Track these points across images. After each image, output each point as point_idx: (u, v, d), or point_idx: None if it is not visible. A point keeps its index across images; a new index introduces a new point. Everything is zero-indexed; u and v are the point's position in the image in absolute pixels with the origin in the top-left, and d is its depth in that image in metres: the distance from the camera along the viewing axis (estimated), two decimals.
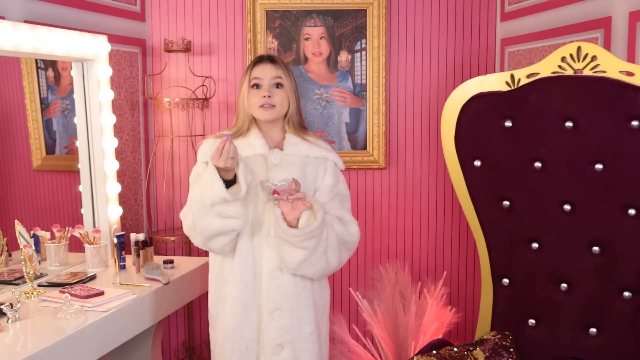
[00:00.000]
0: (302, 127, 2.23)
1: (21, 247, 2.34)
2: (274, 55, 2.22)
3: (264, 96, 2.12)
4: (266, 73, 2.15)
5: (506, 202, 2.33)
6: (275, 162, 2.12)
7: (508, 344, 2.33)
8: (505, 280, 2.40)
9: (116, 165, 2.95)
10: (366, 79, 3.38)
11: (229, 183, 1.99)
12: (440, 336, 2.92)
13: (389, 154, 3.46)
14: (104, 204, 2.88)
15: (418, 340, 2.96)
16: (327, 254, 2.06)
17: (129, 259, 2.79)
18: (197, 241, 2.10)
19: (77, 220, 2.86)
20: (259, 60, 2.19)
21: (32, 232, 2.56)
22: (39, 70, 2.72)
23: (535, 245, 2.31)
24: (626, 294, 2.17)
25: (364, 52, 3.37)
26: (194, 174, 2.17)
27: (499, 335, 2.36)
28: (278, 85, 2.15)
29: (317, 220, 1.98)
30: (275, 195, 1.96)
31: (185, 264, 2.84)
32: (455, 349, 2.32)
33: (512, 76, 2.26)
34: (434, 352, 2.32)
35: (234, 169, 1.98)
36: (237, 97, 2.23)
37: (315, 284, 2.18)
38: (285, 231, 1.99)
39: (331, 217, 2.10)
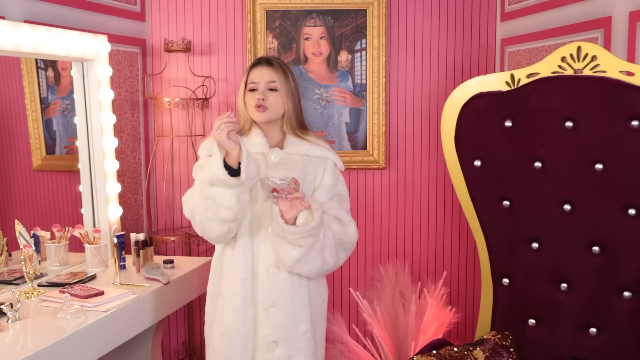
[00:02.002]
0: (302, 127, 2.23)
1: (21, 247, 2.34)
2: (272, 58, 2.21)
3: (258, 98, 2.13)
4: (261, 77, 2.15)
5: (506, 202, 2.33)
6: (275, 160, 2.13)
7: (508, 344, 2.33)
8: (505, 280, 2.40)
9: (116, 165, 2.95)
10: (366, 79, 3.38)
11: (233, 173, 1.99)
12: (440, 336, 2.91)
13: (389, 154, 3.46)
14: (104, 204, 2.88)
15: (418, 340, 2.96)
16: (323, 253, 2.07)
17: (129, 259, 2.79)
18: (196, 224, 2.11)
19: (77, 220, 2.86)
20: (257, 63, 2.19)
21: (32, 232, 2.56)
22: (39, 70, 2.72)
23: (535, 245, 2.31)
24: (626, 294, 2.17)
25: (364, 52, 3.37)
26: (197, 165, 2.19)
27: (499, 335, 2.36)
28: (272, 90, 2.16)
29: (315, 220, 1.99)
30: (275, 193, 1.97)
31: (185, 264, 2.84)
32: (455, 349, 2.32)
33: (512, 76, 2.26)
34: (434, 352, 2.32)
35: (237, 155, 1.98)
36: (236, 98, 2.24)
37: (312, 283, 2.18)
38: (283, 228, 2.00)
39: (329, 217, 2.11)
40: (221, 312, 2.16)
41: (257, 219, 2.11)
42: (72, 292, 2.30)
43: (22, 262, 2.33)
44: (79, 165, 2.87)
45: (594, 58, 2.12)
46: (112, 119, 2.92)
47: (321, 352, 2.27)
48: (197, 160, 2.24)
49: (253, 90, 2.15)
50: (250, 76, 2.17)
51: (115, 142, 2.94)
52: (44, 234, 2.66)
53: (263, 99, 2.13)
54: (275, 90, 2.15)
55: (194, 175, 2.19)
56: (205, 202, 2.03)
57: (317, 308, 2.22)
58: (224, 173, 1.95)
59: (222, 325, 2.15)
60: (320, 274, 2.14)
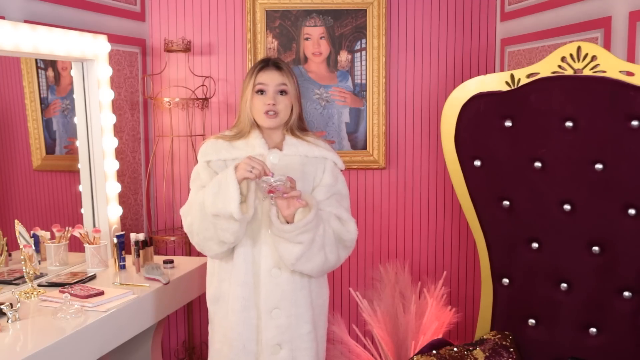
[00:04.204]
0: (302, 129, 2.23)
1: (21, 247, 2.34)
2: (279, 60, 2.19)
3: (269, 104, 2.11)
4: (271, 79, 2.13)
5: (506, 202, 2.33)
6: (274, 161, 2.12)
7: (508, 344, 2.33)
8: (505, 280, 2.40)
9: (116, 165, 2.95)
10: (366, 79, 3.38)
11: None
12: (440, 336, 2.91)
13: (389, 154, 3.46)
14: (104, 204, 2.88)
15: (418, 340, 2.96)
16: (324, 249, 2.07)
17: (129, 259, 2.79)
18: (194, 241, 2.13)
19: (77, 220, 2.86)
20: (264, 65, 2.17)
21: (32, 232, 2.56)
22: (39, 70, 2.72)
23: (535, 245, 2.31)
24: (626, 294, 2.17)
25: (364, 52, 3.37)
26: (194, 174, 2.18)
27: (499, 335, 2.36)
28: (282, 92, 2.14)
29: (311, 214, 1.98)
30: (271, 194, 1.97)
31: (185, 264, 2.84)
32: (455, 349, 2.32)
33: (512, 76, 2.26)
34: (434, 352, 2.32)
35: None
36: (240, 99, 2.22)
37: (314, 284, 2.18)
38: (279, 228, 2.00)
39: (328, 214, 2.10)
40: (223, 315, 2.16)
41: (256, 221, 2.10)
42: (72, 292, 2.30)
43: (22, 262, 2.33)
44: (79, 165, 2.87)
45: (594, 58, 2.12)
46: (112, 119, 2.92)
47: (322, 352, 2.27)
48: (196, 161, 2.23)
49: (261, 92, 2.14)
50: (257, 77, 2.14)
51: (115, 142, 2.94)
52: (44, 234, 2.66)
53: (274, 104, 2.12)
54: (285, 93, 2.14)
55: (191, 184, 2.18)
56: (204, 224, 2.04)
57: (319, 309, 2.22)
58: (238, 213, 1.95)
59: (224, 328, 2.15)
60: (322, 271, 2.14)
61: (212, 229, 2.03)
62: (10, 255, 2.48)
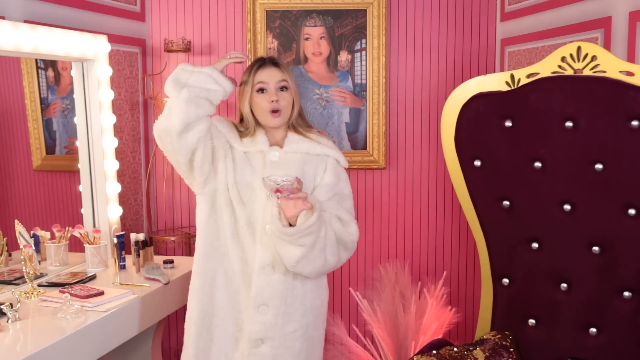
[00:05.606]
0: (305, 125, 2.22)
1: (21, 247, 2.34)
2: (275, 58, 2.20)
3: (272, 101, 2.11)
4: (271, 77, 2.13)
5: (506, 202, 2.33)
6: (274, 159, 2.12)
7: (508, 344, 2.33)
8: (505, 280, 2.40)
9: (116, 165, 2.95)
10: (366, 79, 3.38)
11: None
12: (440, 336, 2.92)
13: (389, 154, 3.46)
14: (104, 204, 2.88)
15: (418, 340, 2.96)
16: (325, 251, 2.06)
17: (129, 259, 2.79)
18: (160, 128, 2.05)
19: (77, 220, 2.86)
20: (262, 63, 2.17)
21: (32, 232, 2.56)
22: (39, 70, 2.72)
23: (535, 245, 2.31)
24: (626, 294, 2.17)
25: (364, 52, 3.37)
26: None
27: (499, 335, 2.36)
28: (283, 88, 2.14)
29: (313, 217, 1.98)
30: (278, 194, 1.96)
31: (185, 264, 2.84)
32: (455, 349, 2.32)
33: (512, 76, 2.26)
34: (434, 352, 2.32)
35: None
36: (239, 100, 2.21)
37: (309, 285, 2.17)
38: (281, 230, 1.99)
39: (329, 215, 2.10)
40: (210, 296, 2.15)
41: (254, 218, 2.10)
42: (72, 292, 2.30)
43: (22, 262, 2.33)
44: (79, 165, 2.87)
45: (594, 58, 2.12)
46: (112, 119, 2.92)
47: (316, 353, 2.26)
48: None
49: (262, 90, 2.13)
50: (257, 76, 2.14)
51: (115, 142, 2.94)
52: (44, 234, 2.66)
53: (277, 100, 2.11)
54: (286, 89, 2.14)
55: None
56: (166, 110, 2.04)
57: (316, 309, 2.21)
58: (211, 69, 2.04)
59: (211, 308, 2.14)
60: (322, 272, 2.13)
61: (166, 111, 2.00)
62: (10, 255, 2.48)
